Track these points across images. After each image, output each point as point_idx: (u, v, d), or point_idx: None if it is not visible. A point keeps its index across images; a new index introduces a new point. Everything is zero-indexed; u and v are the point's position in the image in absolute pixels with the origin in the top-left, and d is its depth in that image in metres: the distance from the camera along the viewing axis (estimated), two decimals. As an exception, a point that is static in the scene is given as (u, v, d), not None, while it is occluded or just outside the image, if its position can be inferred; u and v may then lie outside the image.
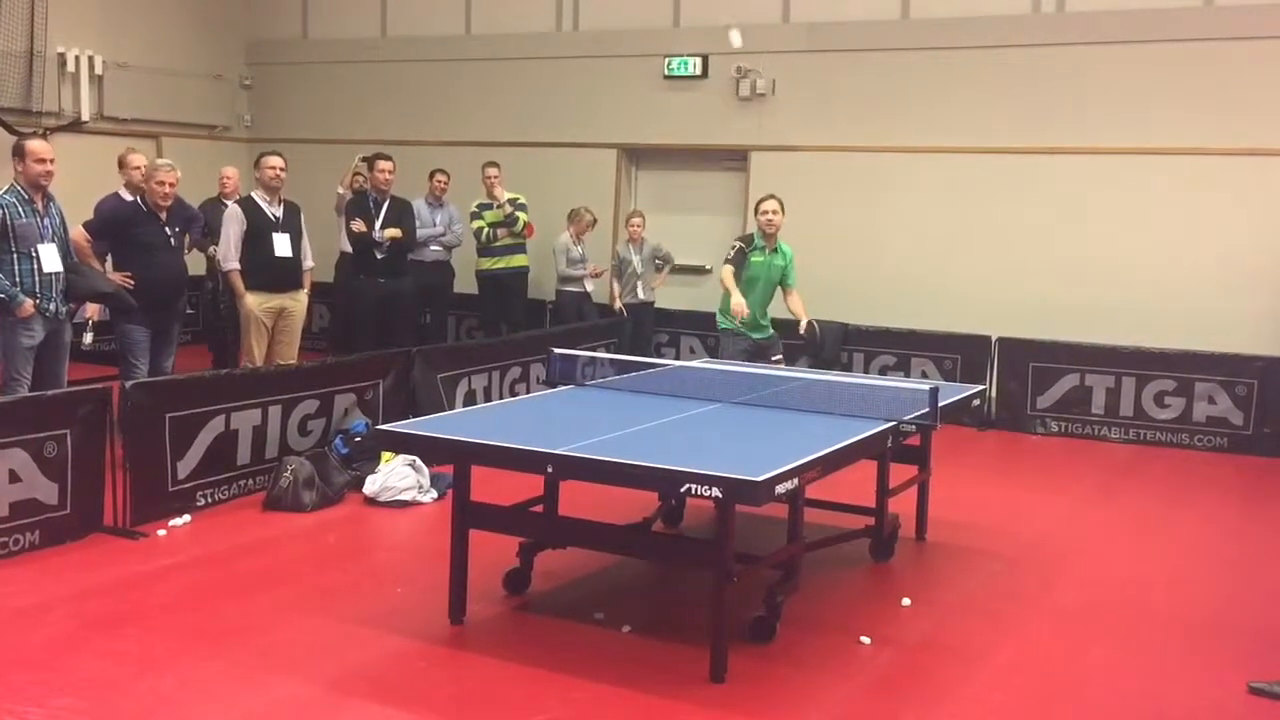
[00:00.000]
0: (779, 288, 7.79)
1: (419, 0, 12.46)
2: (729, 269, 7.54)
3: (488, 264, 10.55)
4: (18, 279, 6.40)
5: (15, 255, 6.40)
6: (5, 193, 6.46)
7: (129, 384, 6.09)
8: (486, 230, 10.39)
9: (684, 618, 4.88)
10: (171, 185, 7.28)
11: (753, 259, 7.59)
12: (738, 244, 7.67)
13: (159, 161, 7.57)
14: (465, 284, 10.93)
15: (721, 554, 4.24)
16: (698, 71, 11.12)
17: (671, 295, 10.93)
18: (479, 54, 12.11)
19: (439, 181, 10.62)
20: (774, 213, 7.60)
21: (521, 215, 10.42)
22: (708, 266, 11.23)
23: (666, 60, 11.22)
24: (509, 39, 11.94)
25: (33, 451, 5.43)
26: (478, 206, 10.49)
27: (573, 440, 4.45)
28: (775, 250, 7.67)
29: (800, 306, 7.75)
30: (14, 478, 5.35)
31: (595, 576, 5.36)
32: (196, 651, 4.32)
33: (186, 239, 7.88)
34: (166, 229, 7.38)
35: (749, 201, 10.10)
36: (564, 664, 4.32)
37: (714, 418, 5.28)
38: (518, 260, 10.59)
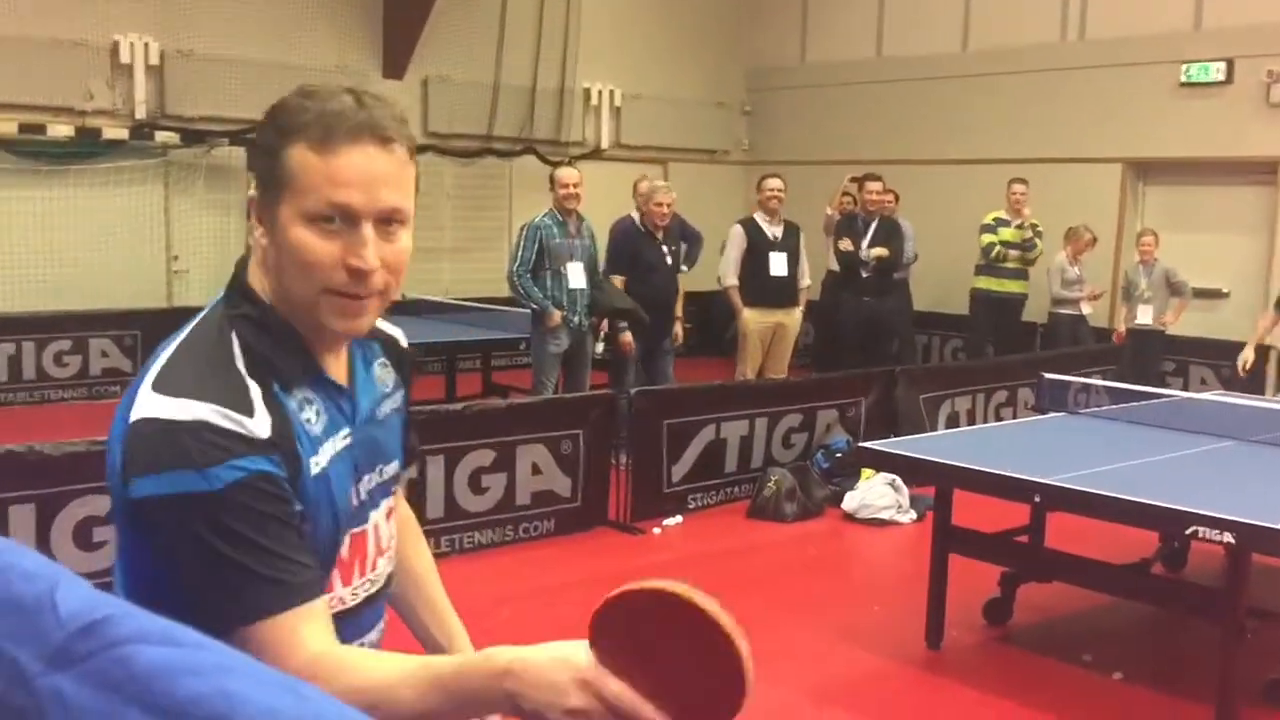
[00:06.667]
0: None
1: (916, 20, 12.43)
2: None
3: (985, 284, 10.16)
4: (549, 293, 7.20)
5: (548, 272, 7.21)
6: (544, 216, 7.31)
7: (634, 391, 6.64)
8: (998, 247, 10.07)
9: (1185, 672, 4.51)
10: (669, 206, 7.73)
11: None
12: None
13: (657, 184, 8.06)
14: (951, 303, 10.73)
15: (1232, 606, 3.87)
16: (1221, 77, 10.16)
17: (1182, 320, 10.00)
18: (975, 70, 11.84)
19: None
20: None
21: (1039, 243, 10.01)
22: (1225, 290, 10.24)
23: (1184, 67, 10.36)
24: (1008, 53, 11.57)
25: (552, 448, 6.08)
26: (993, 220, 10.09)
27: (1063, 470, 4.26)
28: None
29: None
30: (535, 470, 6.02)
31: (1083, 615, 5.07)
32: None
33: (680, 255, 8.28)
34: (665, 247, 7.85)
35: None
36: (1046, 703, 4.14)
37: (1227, 456, 4.82)
38: (1018, 286, 10.12)
